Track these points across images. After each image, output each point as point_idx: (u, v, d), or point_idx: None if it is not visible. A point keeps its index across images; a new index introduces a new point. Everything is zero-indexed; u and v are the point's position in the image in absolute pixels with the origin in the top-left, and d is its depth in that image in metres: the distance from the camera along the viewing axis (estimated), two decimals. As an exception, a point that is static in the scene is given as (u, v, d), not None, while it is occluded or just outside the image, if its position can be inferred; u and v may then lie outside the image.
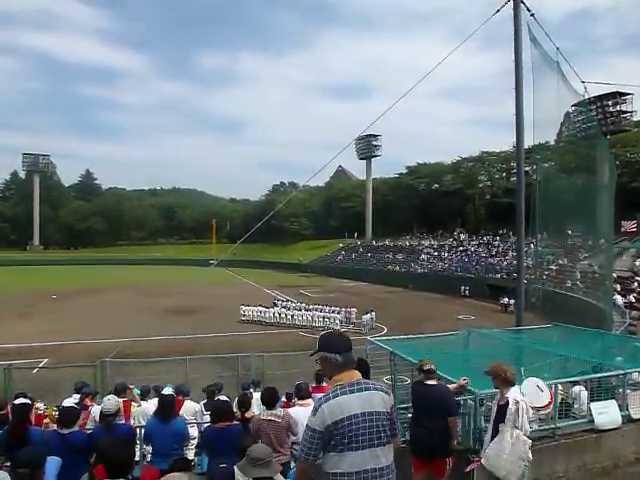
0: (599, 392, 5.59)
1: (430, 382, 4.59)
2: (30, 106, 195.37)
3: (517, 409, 4.07)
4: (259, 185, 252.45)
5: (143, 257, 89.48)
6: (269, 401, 5.06)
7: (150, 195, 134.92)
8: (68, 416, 4.37)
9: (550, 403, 4.16)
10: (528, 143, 10.72)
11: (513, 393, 4.23)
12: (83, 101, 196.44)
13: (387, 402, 2.67)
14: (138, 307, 32.74)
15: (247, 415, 5.29)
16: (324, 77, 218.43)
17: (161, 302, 35.15)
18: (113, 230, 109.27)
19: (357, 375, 2.65)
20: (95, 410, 6.73)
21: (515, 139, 10.45)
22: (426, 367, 4.64)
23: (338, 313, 27.49)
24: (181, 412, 6.47)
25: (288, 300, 33.08)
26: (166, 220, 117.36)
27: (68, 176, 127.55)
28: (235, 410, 5.47)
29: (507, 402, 4.19)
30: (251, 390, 7.69)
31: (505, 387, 4.27)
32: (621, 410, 5.50)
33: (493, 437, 4.30)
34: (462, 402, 5.71)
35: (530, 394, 4.11)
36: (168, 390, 6.46)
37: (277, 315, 28.02)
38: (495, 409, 4.39)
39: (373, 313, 26.77)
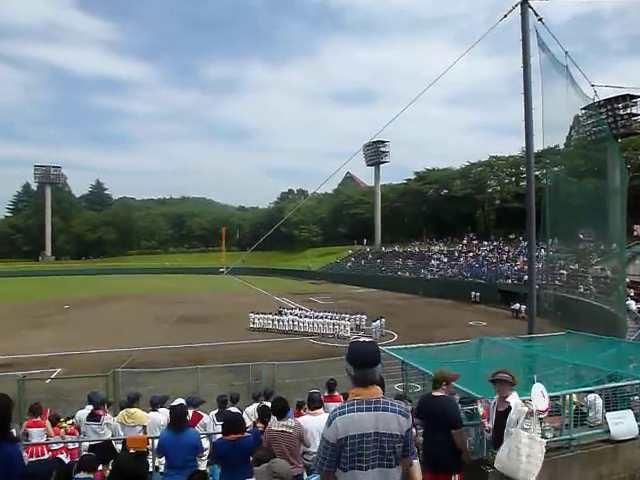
0: (615, 401, 5.50)
1: (436, 393, 4.55)
2: (41, 118, 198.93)
3: (526, 412, 4.15)
4: (268, 193, 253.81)
5: (154, 266, 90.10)
6: (279, 411, 5.03)
7: (159, 204, 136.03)
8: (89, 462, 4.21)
9: (548, 409, 4.31)
10: (537, 147, 10.67)
11: (514, 398, 4.35)
12: (93, 112, 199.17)
13: (403, 425, 2.58)
14: (149, 316, 32.90)
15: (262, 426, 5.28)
16: (331, 84, 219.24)
17: (172, 311, 35.25)
18: (123, 240, 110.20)
19: (378, 393, 2.59)
20: (108, 420, 6.79)
21: (524, 143, 10.41)
22: (433, 377, 4.65)
23: (348, 320, 27.42)
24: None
25: (295, 307, 33.05)
26: (176, 229, 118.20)
27: (79, 187, 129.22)
28: (253, 420, 5.43)
29: (508, 407, 4.30)
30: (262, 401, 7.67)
31: (509, 392, 4.39)
32: (637, 420, 5.41)
33: (496, 443, 4.40)
34: (475, 411, 5.66)
35: (535, 397, 4.20)
36: (179, 401, 6.49)
37: (287, 322, 28.00)
38: (493, 416, 4.47)
39: (383, 320, 26.65)
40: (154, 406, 7.27)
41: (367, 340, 2.67)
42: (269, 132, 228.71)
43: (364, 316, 28.19)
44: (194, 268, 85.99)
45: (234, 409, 7.01)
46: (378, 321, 26.23)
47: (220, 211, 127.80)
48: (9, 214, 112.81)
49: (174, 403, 6.47)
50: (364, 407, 2.51)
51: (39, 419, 7.19)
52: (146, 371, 14.44)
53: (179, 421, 5.06)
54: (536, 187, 10.49)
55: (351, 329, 26.74)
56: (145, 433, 6.62)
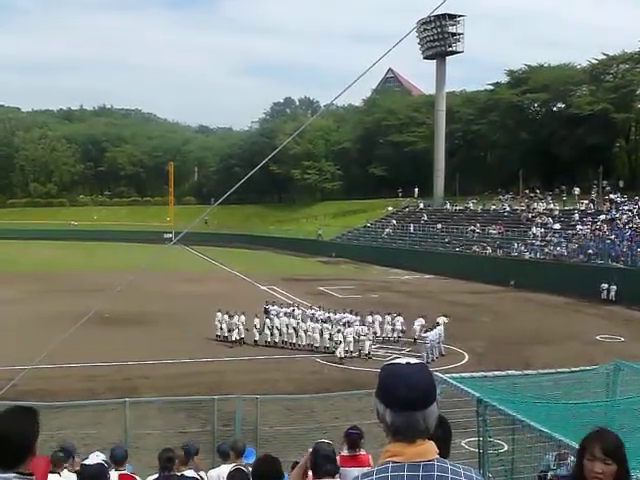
0: None
1: None
2: None
3: None
4: (249, 104, 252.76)
5: (52, 226, 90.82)
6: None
7: (62, 120, 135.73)
8: None
9: None
10: None
11: None
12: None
13: None
14: (45, 313, 33.26)
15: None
16: None
17: (83, 304, 35.67)
18: None
19: (430, 452, 2.56)
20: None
21: None
22: None
23: (381, 326, 27.58)
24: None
25: (294, 304, 33.23)
26: (90, 163, 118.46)
27: None
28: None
29: None
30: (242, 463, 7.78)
31: None
32: None
33: None
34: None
35: None
36: (96, 459, 6.59)
37: (278, 328, 28.15)
38: None
39: (441, 328, 26.77)
40: (53, 465, 7.38)
41: (413, 362, 2.60)
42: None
43: (421, 319, 28.40)
44: (121, 232, 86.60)
45: (189, 473, 7.12)
46: (435, 330, 26.34)
47: (167, 134, 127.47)
48: None
49: (88, 461, 6.58)
50: (405, 475, 2.50)
51: None
52: (39, 405, 14.69)
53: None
54: None
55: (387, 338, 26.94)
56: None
